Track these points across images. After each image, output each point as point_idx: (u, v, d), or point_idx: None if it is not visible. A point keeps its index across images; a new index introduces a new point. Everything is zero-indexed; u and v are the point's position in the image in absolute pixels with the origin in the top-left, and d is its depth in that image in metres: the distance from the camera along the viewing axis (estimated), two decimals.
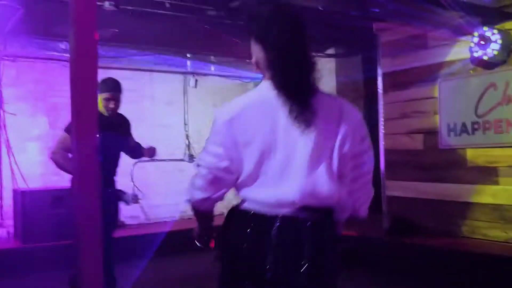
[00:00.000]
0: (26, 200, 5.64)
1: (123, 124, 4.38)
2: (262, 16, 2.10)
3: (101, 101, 4.10)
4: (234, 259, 2.12)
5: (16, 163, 6.23)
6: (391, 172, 6.19)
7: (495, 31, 5.07)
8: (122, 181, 6.88)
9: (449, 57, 5.66)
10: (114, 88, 4.24)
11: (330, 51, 7.47)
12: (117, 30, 5.92)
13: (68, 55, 6.89)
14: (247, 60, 7.74)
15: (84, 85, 2.52)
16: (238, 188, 2.11)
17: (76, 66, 2.56)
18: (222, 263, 2.18)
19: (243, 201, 2.11)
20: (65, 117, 6.81)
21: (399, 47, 6.11)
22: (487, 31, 5.09)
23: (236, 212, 2.16)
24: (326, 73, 7.51)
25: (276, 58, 2.02)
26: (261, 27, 2.08)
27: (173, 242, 6.40)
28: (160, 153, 7.32)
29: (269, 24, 2.04)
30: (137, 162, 7.19)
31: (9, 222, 6.21)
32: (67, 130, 4.02)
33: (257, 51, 2.10)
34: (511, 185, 5.18)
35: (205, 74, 7.94)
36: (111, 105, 4.16)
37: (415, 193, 5.98)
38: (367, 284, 5.11)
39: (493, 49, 5.06)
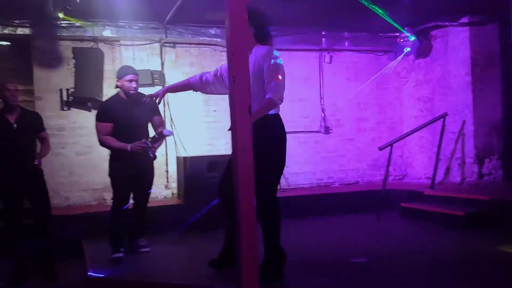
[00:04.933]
0: (186, 165, 6.60)
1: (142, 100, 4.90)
2: None
3: (124, 83, 4.85)
4: None
5: (178, 135, 7.26)
6: None
7: None
8: None
9: None
10: (134, 71, 4.99)
11: (465, 20, 7.43)
12: None
13: (217, 39, 7.78)
14: (380, 34, 8.02)
15: (239, 64, 3.11)
16: None
17: (231, 46, 3.17)
18: None
19: None
20: (217, 95, 7.73)
21: None
22: None
23: None
24: (460, 42, 7.52)
25: None
26: None
27: (309, 205, 7.05)
28: (298, 125, 8.01)
29: None
30: None
31: (173, 184, 7.31)
32: (98, 118, 4.88)
33: None
34: None
35: (339, 50, 8.34)
36: (134, 85, 4.88)
37: None
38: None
39: None
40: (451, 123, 7.58)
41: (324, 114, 8.26)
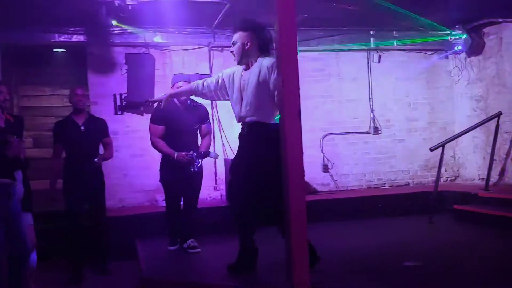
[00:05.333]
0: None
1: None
2: None
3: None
4: None
5: (226, 137, 7.36)
6: None
7: None
8: (312, 152, 7.71)
9: None
10: (184, 78, 5.19)
11: None
12: (305, 15, 6.58)
13: None
14: (430, 32, 7.86)
15: (288, 67, 3.15)
16: None
17: (280, 49, 3.21)
18: None
19: None
20: None
21: None
22: None
23: None
24: None
25: None
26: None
27: (359, 207, 6.99)
28: (347, 126, 7.97)
29: None
30: (326, 135, 7.89)
31: (222, 186, 7.40)
32: (152, 120, 5.13)
33: None
34: None
35: (388, 50, 8.23)
36: None
37: None
38: None
39: None
40: (506, 123, 7.33)
41: (373, 115, 8.17)
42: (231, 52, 4.07)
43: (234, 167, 4.12)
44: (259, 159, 3.80)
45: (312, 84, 7.78)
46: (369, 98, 8.19)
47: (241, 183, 3.95)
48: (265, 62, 3.92)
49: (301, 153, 3.02)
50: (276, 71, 3.72)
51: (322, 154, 7.86)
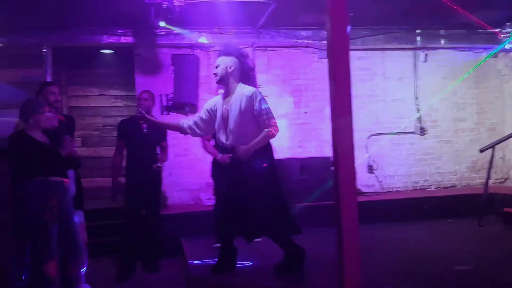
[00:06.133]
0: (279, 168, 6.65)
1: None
2: None
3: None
4: None
5: None
6: None
7: None
8: (356, 153, 7.57)
9: None
10: None
11: None
12: (351, 14, 6.51)
13: (309, 41, 7.81)
14: (479, 30, 7.64)
15: (340, 65, 3.10)
16: None
17: (332, 47, 3.17)
18: None
19: None
20: (307, 97, 7.74)
21: None
22: None
23: None
24: None
25: None
26: None
27: (404, 209, 6.85)
28: (392, 127, 7.85)
29: None
30: (371, 136, 7.78)
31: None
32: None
33: None
34: None
35: (435, 48, 8.06)
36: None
37: None
38: None
39: None
40: None
41: (419, 115, 8.01)
42: (214, 74, 4.19)
43: (223, 193, 4.37)
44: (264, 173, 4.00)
45: (357, 83, 7.68)
46: (415, 98, 8.05)
47: (229, 205, 4.15)
48: (245, 91, 4.03)
49: (353, 152, 2.96)
50: (258, 99, 3.94)
51: (367, 154, 7.76)
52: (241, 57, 4.14)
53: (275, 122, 4.01)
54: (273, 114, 4.04)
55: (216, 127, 4.19)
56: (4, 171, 3.94)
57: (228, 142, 4.10)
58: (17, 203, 3.87)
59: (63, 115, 5.09)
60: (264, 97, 4.06)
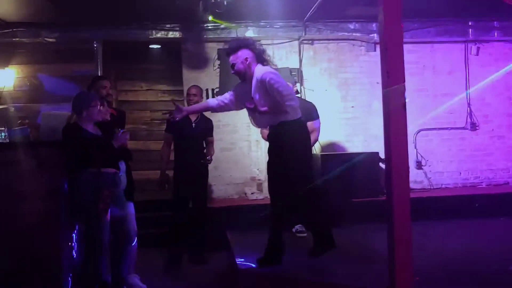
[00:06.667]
0: (324, 162, 6.60)
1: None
2: None
3: None
4: None
5: None
6: None
7: None
8: None
9: None
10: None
11: None
12: None
13: (357, 34, 7.69)
14: None
15: (393, 58, 3.05)
16: None
17: (385, 40, 3.12)
18: None
19: None
20: (355, 91, 7.63)
21: None
22: None
23: None
24: None
25: None
26: None
27: (454, 206, 6.66)
28: (442, 122, 7.66)
29: None
30: (419, 131, 7.62)
31: None
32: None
33: None
34: None
35: (487, 41, 7.79)
36: None
37: None
38: None
39: None
40: None
41: (470, 110, 7.78)
42: (232, 72, 4.21)
43: (268, 165, 4.29)
44: (285, 153, 4.03)
45: (406, 77, 7.46)
46: (466, 92, 7.80)
47: (273, 179, 4.21)
48: (257, 74, 4.05)
49: (406, 150, 2.92)
50: (269, 82, 3.93)
51: (415, 150, 7.59)
52: (250, 45, 4.16)
53: (285, 98, 3.97)
54: (288, 92, 4.02)
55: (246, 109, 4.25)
56: (59, 162, 4.05)
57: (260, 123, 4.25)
58: (71, 194, 3.99)
59: (114, 109, 5.21)
60: (275, 73, 4.04)
